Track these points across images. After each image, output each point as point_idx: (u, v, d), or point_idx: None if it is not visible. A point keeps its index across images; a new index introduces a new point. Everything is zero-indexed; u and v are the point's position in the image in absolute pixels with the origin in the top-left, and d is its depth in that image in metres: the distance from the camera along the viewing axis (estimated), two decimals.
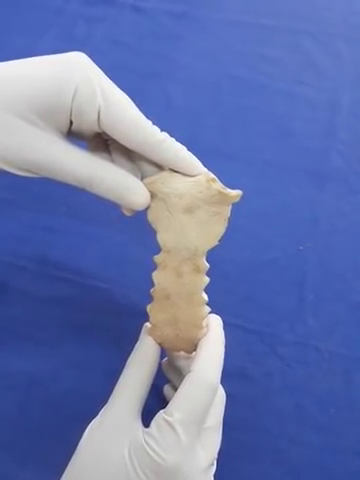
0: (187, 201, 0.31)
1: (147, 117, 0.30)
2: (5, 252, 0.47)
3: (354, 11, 0.61)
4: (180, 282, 0.33)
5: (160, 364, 0.35)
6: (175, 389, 0.35)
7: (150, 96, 0.55)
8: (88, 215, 0.48)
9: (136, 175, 0.32)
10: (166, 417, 0.30)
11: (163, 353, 0.36)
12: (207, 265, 0.32)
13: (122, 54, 0.59)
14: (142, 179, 0.32)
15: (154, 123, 0.30)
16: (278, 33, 0.59)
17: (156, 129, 0.30)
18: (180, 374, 0.36)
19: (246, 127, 0.53)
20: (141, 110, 0.30)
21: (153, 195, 0.31)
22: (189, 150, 0.31)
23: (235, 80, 0.56)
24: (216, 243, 0.32)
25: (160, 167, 0.32)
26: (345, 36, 0.59)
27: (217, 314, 0.35)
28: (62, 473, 0.31)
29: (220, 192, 0.30)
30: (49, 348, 0.43)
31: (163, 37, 0.60)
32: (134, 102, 0.30)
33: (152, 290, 0.34)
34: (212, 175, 0.31)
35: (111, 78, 0.30)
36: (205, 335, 0.34)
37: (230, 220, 0.32)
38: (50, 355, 0.43)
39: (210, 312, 0.35)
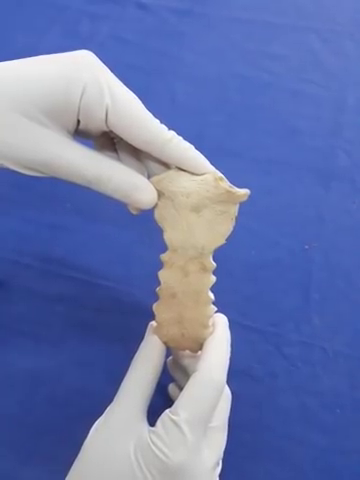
0: (194, 200, 0.31)
1: (152, 114, 0.30)
2: (9, 250, 0.47)
3: None
4: (186, 281, 0.32)
5: (165, 363, 0.35)
6: (180, 388, 0.35)
7: (154, 94, 0.55)
8: (93, 213, 0.48)
9: (143, 174, 0.31)
10: (172, 416, 0.30)
11: (168, 352, 0.36)
12: (214, 264, 0.32)
13: (126, 51, 0.59)
14: (149, 178, 0.31)
15: (159, 121, 0.30)
16: (284, 31, 0.59)
17: (163, 128, 0.30)
18: (185, 373, 0.36)
19: (251, 125, 0.53)
20: (146, 107, 0.30)
21: (160, 194, 0.31)
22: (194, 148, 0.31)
23: (240, 78, 0.56)
24: (223, 242, 0.32)
25: (167, 166, 0.32)
26: (351, 34, 0.58)
27: (222, 313, 0.35)
28: (67, 472, 0.31)
29: (228, 191, 0.30)
30: (53, 346, 0.43)
31: (168, 34, 0.60)
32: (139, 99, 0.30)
33: (158, 289, 0.33)
34: (220, 174, 0.31)
35: (115, 76, 0.30)
36: (211, 334, 0.34)
37: (236, 219, 0.32)
38: (54, 353, 0.43)
39: (216, 311, 0.34)
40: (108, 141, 0.32)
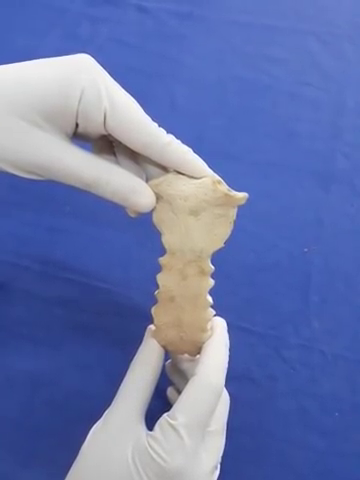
0: (192, 203, 0.31)
1: (151, 117, 0.30)
2: (8, 252, 0.47)
3: (359, 12, 0.61)
4: (185, 284, 0.32)
5: (164, 366, 0.35)
6: (179, 392, 0.35)
7: (154, 97, 0.55)
8: (92, 216, 0.48)
9: (141, 177, 0.31)
10: (170, 420, 0.30)
11: (167, 355, 0.35)
12: (212, 267, 0.32)
13: (126, 54, 0.59)
14: (147, 181, 0.32)
15: (158, 124, 0.30)
16: (283, 34, 0.59)
17: (162, 131, 0.30)
18: (184, 377, 0.36)
19: (251, 128, 0.53)
20: (145, 110, 0.30)
21: (158, 197, 0.31)
22: (193, 151, 0.31)
23: (240, 81, 0.56)
24: (221, 245, 0.32)
25: (166, 169, 0.32)
26: (350, 37, 0.59)
27: (221, 316, 0.35)
28: (65, 475, 0.31)
29: (226, 194, 0.30)
30: (52, 349, 0.43)
31: (167, 37, 0.60)
32: (138, 103, 0.30)
33: (156, 292, 0.33)
34: (218, 177, 0.31)
35: (115, 79, 0.30)
36: (210, 338, 0.34)
37: (235, 222, 0.32)
38: (53, 356, 0.43)
39: (214, 315, 0.34)
40: (107, 144, 0.32)
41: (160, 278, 0.33)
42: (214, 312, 0.34)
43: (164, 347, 0.34)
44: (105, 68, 0.30)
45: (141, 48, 0.59)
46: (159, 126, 0.30)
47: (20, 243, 0.48)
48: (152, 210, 0.31)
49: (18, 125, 0.27)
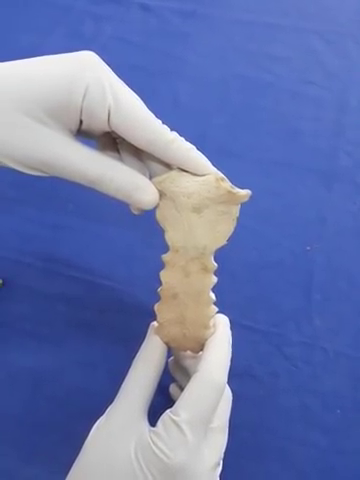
0: (196, 200, 0.31)
1: (154, 115, 0.30)
2: (11, 249, 0.47)
3: None
4: (188, 281, 0.33)
5: (166, 363, 0.35)
6: (181, 388, 0.35)
7: (158, 94, 0.55)
8: (95, 213, 0.48)
9: (145, 174, 0.31)
10: (173, 416, 0.30)
11: (169, 352, 0.36)
12: (215, 264, 0.32)
13: (130, 52, 0.59)
14: (151, 178, 0.32)
15: (161, 121, 0.30)
16: (286, 32, 0.59)
17: (166, 129, 0.30)
18: (186, 374, 0.36)
19: (254, 126, 0.53)
20: (148, 108, 0.30)
21: (162, 194, 0.31)
22: (196, 148, 0.31)
23: (243, 79, 0.56)
24: (224, 243, 0.32)
25: (169, 166, 0.32)
26: (353, 35, 0.58)
27: (224, 313, 0.35)
28: (68, 471, 0.31)
29: (229, 192, 0.30)
30: (55, 346, 0.44)
31: (171, 35, 0.60)
32: (142, 100, 0.30)
33: (159, 289, 0.34)
34: (221, 174, 0.31)
35: (119, 76, 0.30)
36: (212, 335, 0.34)
37: (238, 220, 0.32)
38: (56, 353, 0.43)
39: (217, 312, 0.35)
40: (110, 141, 0.32)
41: (163, 275, 0.33)
42: (217, 309, 0.34)
43: (167, 344, 0.35)
44: (109, 66, 0.30)
45: (144, 46, 0.59)
46: (163, 123, 0.30)
47: (23, 240, 0.48)
48: (155, 207, 0.31)
49: (22, 121, 0.27)
